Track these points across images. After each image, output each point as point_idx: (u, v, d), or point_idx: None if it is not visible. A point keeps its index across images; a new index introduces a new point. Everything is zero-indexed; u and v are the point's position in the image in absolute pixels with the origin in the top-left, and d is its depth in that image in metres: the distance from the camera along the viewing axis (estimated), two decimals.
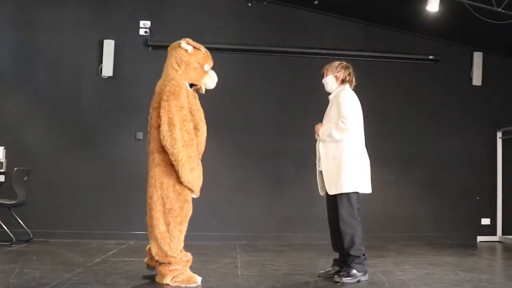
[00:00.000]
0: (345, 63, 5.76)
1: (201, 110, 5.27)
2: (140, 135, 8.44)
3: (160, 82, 5.12)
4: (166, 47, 8.25)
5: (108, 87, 8.55)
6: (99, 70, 8.49)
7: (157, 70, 8.24)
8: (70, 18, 8.60)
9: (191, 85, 5.22)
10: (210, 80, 5.26)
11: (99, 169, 8.40)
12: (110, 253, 7.01)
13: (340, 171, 5.38)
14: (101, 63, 8.47)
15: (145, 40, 8.61)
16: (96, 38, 8.55)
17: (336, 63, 5.74)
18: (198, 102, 5.30)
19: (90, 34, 8.56)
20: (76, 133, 8.44)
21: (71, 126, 8.45)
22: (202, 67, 5.18)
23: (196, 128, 5.08)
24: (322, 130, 5.55)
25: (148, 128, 5.18)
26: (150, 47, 8.59)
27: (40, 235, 8.01)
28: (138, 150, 8.42)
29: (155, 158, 5.03)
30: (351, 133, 5.42)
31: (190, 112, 5.04)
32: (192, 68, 5.13)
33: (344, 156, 5.41)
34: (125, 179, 8.38)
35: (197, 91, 5.31)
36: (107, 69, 8.45)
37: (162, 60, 8.23)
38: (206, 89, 5.32)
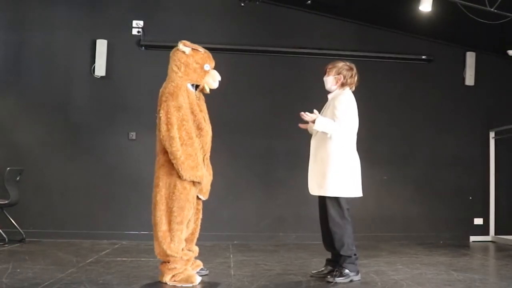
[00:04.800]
0: (349, 64, 5.70)
1: (205, 111, 5.35)
2: (132, 135, 8.46)
3: (163, 85, 5.18)
4: (159, 47, 8.44)
5: (100, 87, 8.54)
6: (92, 70, 8.49)
7: (150, 70, 8.38)
8: (62, 18, 8.59)
9: (196, 87, 5.28)
10: (211, 79, 5.30)
11: (91, 169, 8.40)
12: (103, 253, 7.02)
13: (325, 174, 5.41)
14: (94, 63, 8.47)
15: (138, 40, 8.62)
16: (89, 38, 8.55)
17: (340, 64, 5.69)
18: (204, 103, 5.38)
19: (83, 33, 8.56)
20: (68, 133, 8.44)
21: (63, 126, 8.45)
22: (201, 67, 5.23)
23: (199, 128, 5.14)
24: (320, 119, 5.40)
25: (156, 131, 5.21)
26: (143, 47, 8.60)
27: (32, 235, 8.02)
28: (131, 150, 8.46)
29: (160, 159, 5.10)
30: (341, 135, 5.43)
31: (192, 112, 5.10)
32: (191, 69, 5.18)
33: (331, 159, 5.41)
34: (118, 179, 8.40)
35: (202, 91, 5.36)
36: (100, 69, 8.45)
37: (155, 60, 8.38)
38: (210, 89, 5.37)
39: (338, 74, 5.62)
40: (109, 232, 8.24)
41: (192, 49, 5.22)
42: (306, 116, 5.44)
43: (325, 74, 5.72)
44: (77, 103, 8.52)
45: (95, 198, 8.37)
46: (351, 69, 5.67)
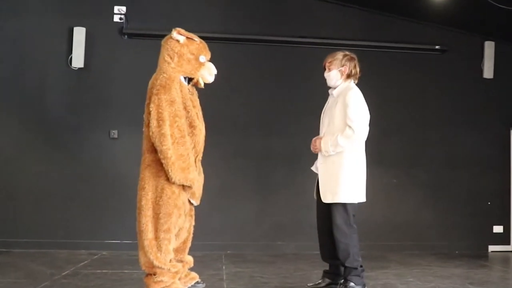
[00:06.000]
0: (349, 54, 5.71)
1: (199, 107, 5.31)
2: (114, 133, 8.43)
3: (153, 77, 5.13)
4: (143, 35, 8.40)
5: (78, 80, 8.51)
6: (69, 61, 8.46)
7: (133, 61, 8.35)
8: (35, 3, 8.54)
9: (189, 80, 5.25)
10: (207, 73, 5.26)
11: (68, 171, 8.37)
12: (81, 264, 7.00)
13: (338, 178, 5.38)
14: (71, 53, 8.43)
15: (120, 28, 8.59)
16: (65, 25, 8.50)
17: (340, 55, 5.67)
18: (197, 98, 5.34)
19: (58, 20, 8.51)
20: (42, 131, 8.40)
21: (36, 123, 8.40)
22: (196, 58, 5.19)
23: (192, 126, 5.09)
24: (325, 141, 5.47)
25: (143, 128, 5.14)
26: (126, 35, 8.58)
27: (1, 244, 7.99)
28: (112, 150, 8.43)
29: (146, 158, 5.03)
30: (362, 141, 5.45)
31: (185, 108, 5.06)
32: (185, 60, 5.13)
33: (345, 161, 5.40)
34: (98, 182, 8.37)
35: (196, 85, 5.33)
36: (78, 60, 8.41)
37: (139, 49, 8.34)
38: (205, 84, 5.34)
39: (342, 66, 5.60)
40: (88, 241, 8.22)
41: (187, 38, 5.18)
42: (315, 148, 5.60)
43: (325, 70, 5.71)
44: (52, 98, 8.48)
45: (72, 203, 8.33)
46: (352, 59, 5.68)
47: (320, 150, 5.53)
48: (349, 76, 5.61)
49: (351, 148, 5.40)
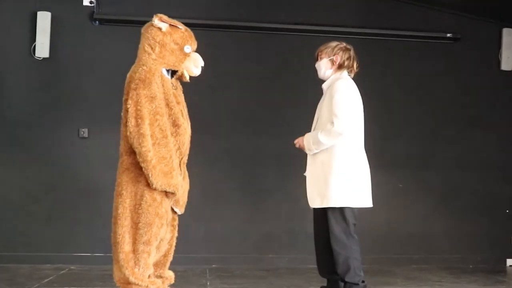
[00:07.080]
0: (345, 44, 5.79)
1: (184, 104, 5.31)
2: (84, 132, 8.41)
3: (131, 69, 5.11)
4: (116, 21, 8.43)
5: (43, 72, 8.50)
6: (32, 50, 8.46)
7: (105, 50, 8.38)
8: None
9: (172, 74, 5.28)
10: (192, 64, 5.26)
11: (31, 175, 8.36)
12: (45, 280, 7.01)
13: (328, 179, 5.43)
14: (35, 41, 8.43)
15: (90, 12, 8.56)
16: (28, 10, 8.47)
17: (333, 43, 5.77)
18: (181, 94, 5.34)
19: (19, 4, 8.50)
20: (1, 130, 8.39)
21: None
22: (181, 48, 5.17)
23: (175, 125, 5.10)
24: (307, 140, 5.58)
25: (120, 127, 5.15)
26: (97, 21, 8.57)
27: None
28: (82, 151, 8.41)
29: (124, 161, 5.02)
30: (344, 137, 5.44)
31: (167, 105, 5.06)
32: (168, 50, 5.13)
33: (335, 161, 5.45)
34: (65, 188, 8.35)
35: (180, 79, 5.35)
36: (42, 49, 8.39)
37: (112, 38, 8.38)
38: (191, 77, 5.36)
39: (334, 55, 5.68)
40: (54, 254, 8.21)
41: (170, 25, 5.16)
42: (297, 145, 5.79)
43: (316, 60, 5.79)
44: (12, 92, 8.45)
45: (35, 211, 8.32)
46: (347, 49, 5.74)
47: (304, 148, 5.65)
48: (340, 66, 5.68)
49: (342, 147, 5.45)
